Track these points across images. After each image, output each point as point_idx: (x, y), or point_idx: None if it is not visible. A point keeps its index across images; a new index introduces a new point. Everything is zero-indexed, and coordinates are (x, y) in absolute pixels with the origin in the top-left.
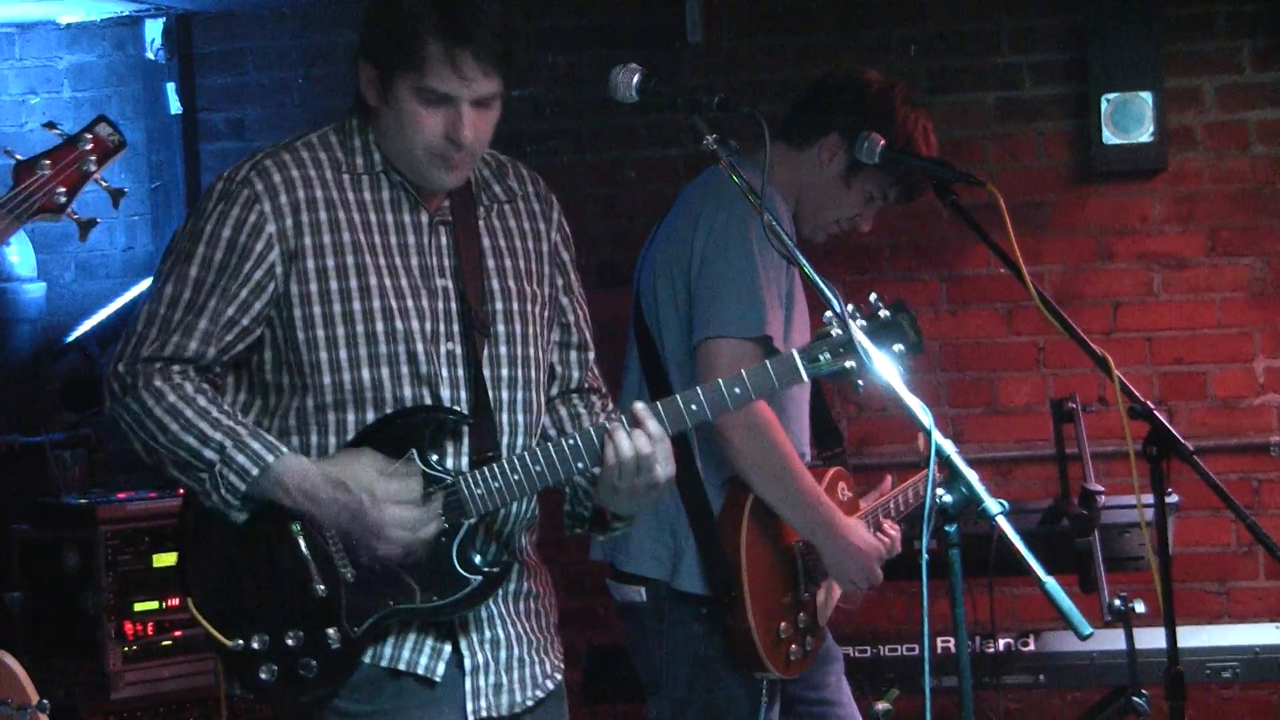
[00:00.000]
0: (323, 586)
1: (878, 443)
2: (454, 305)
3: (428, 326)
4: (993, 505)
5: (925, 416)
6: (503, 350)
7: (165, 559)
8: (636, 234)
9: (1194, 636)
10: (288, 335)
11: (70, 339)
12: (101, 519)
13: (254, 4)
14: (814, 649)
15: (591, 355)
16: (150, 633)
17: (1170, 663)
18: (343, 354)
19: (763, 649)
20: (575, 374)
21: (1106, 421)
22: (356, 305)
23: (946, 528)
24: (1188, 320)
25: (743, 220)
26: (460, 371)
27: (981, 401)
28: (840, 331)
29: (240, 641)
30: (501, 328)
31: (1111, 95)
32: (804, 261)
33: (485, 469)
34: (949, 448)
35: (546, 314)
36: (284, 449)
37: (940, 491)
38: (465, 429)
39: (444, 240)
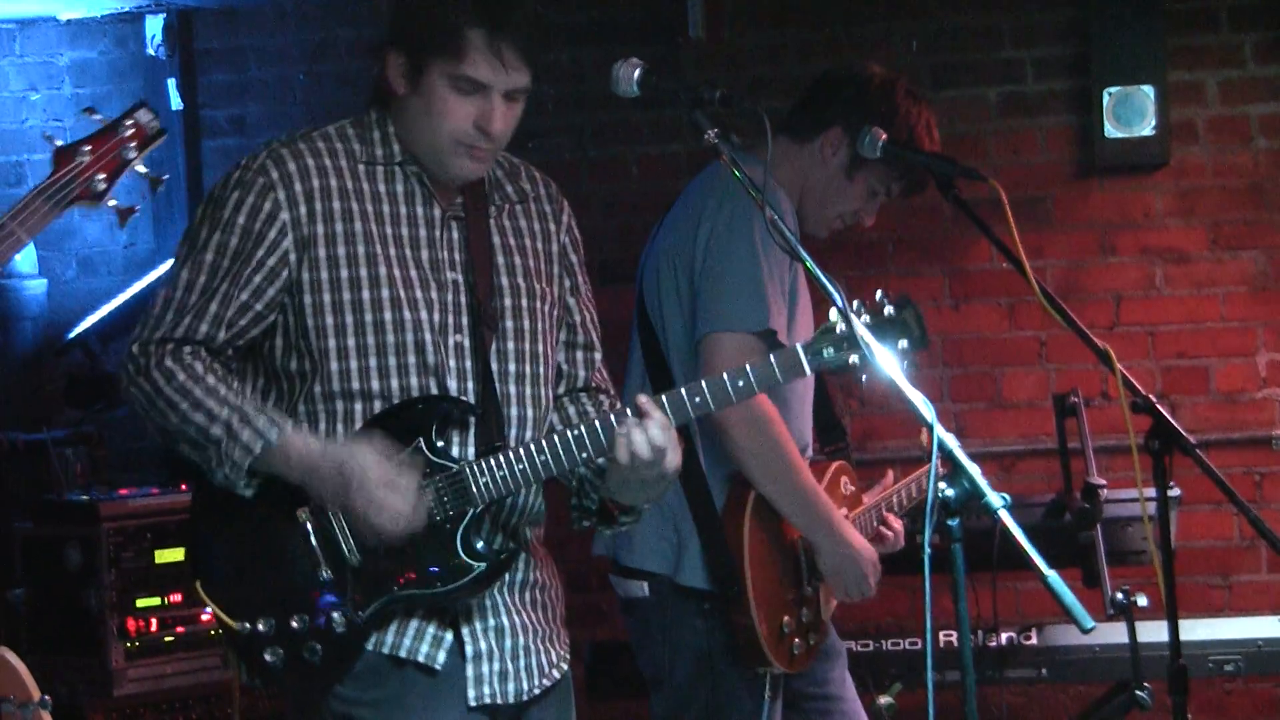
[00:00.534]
0: (328, 570)
1: (880, 437)
2: (463, 298)
3: (436, 318)
4: (995, 499)
5: (928, 411)
6: (510, 345)
7: (167, 555)
8: (639, 230)
9: (1196, 630)
10: (298, 322)
11: (72, 336)
12: (104, 516)
13: (255, 0)
14: (817, 644)
15: (599, 356)
16: (153, 629)
17: (1173, 656)
18: (351, 341)
19: (766, 644)
20: (582, 374)
21: (1109, 416)
22: (366, 294)
23: (949, 522)
24: (1190, 314)
25: (746, 215)
26: (468, 363)
27: (984, 396)
28: (844, 326)
29: (247, 624)
30: (510, 323)
31: (1113, 89)
32: (806, 256)
33: (491, 458)
34: (951, 442)
35: (555, 313)
36: (288, 424)
37: (943, 486)
38: (472, 420)
39: (455, 235)
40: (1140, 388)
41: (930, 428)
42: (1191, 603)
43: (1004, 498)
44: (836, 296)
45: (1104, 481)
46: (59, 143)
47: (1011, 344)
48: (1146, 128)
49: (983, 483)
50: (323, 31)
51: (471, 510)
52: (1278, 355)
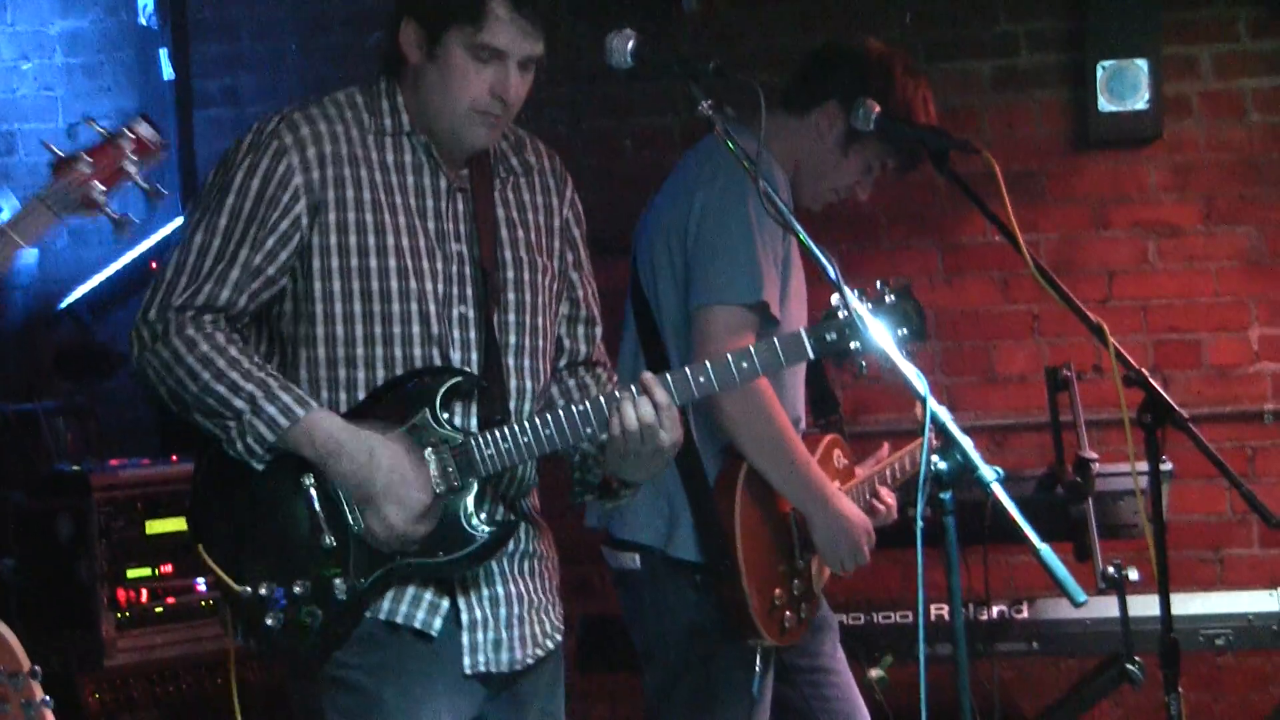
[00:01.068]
0: (331, 538)
1: (874, 411)
2: (467, 270)
3: (440, 288)
4: (987, 473)
5: (921, 385)
6: (512, 318)
7: (159, 526)
8: (633, 203)
9: (1188, 604)
10: (306, 286)
11: (63, 306)
12: (95, 487)
13: None
14: (809, 616)
15: (599, 330)
16: (144, 600)
17: (1164, 630)
18: (356, 307)
19: (757, 616)
20: (583, 348)
21: (1102, 390)
22: (372, 262)
23: (942, 495)
24: (1183, 289)
25: (740, 188)
26: (471, 334)
27: (977, 370)
28: (846, 311)
29: (249, 588)
30: (512, 295)
31: (1107, 63)
32: (800, 229)
33: (496, 430)
34: (944, 416)
35: (556, 287)
36: (314, 403)
37: (935, 459)
38: (475, 391)
39: (461, 207)
40: (1133, 362)
41: (923, 401)
42: (1183, 577)
43: (996, 471)
44: (830, 269)
45: (1096, 455)
46: (60, 153)
47: (1005, 318)
48: (1140, 102)
49: (975, 456)
50: (316, 4)
51: (475, 481)
52: (1270, 330)
